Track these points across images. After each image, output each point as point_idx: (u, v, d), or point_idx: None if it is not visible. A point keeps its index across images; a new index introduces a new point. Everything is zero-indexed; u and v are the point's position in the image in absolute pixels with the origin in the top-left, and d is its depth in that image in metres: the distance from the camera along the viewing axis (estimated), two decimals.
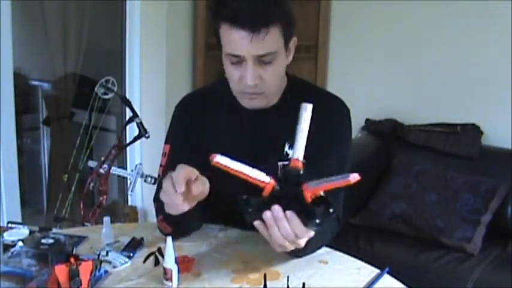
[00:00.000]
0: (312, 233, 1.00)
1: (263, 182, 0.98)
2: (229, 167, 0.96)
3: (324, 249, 1.22)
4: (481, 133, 2.65)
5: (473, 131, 2.65)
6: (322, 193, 0.96)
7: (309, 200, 0.96)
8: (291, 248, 1.03)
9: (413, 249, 2.31)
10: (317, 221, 0.96)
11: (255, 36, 1.11)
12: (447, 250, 2.27)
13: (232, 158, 0.97)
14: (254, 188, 1.03)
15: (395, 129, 2.81)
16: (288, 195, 0.98)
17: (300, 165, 0.98)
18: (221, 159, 0.95)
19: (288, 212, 0.97)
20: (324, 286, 1.09)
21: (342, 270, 1.16)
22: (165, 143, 1.34)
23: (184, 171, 1.03)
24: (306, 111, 0.99)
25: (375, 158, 2.76)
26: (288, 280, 1.03)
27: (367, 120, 2.95)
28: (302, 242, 1.03)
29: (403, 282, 1.12)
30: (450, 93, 2.79)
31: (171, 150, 1.32)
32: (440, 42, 2.77)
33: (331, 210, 0.95)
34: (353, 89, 2.91)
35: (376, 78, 3.00)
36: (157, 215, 1.29)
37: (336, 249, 1.25)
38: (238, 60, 1.16)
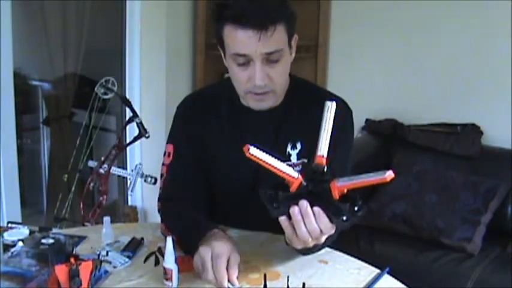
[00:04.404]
0: (333, 230, 1.00)
1: (292, 177, 0.97)
2: (261, 159, 0.95)
3: (324, 249, 1.22)
4: (481, 133, 2.65)
5: (473, 131, 2.65)
6: (345, 190, 0.96)
7: (336, 196, 0.95)
8: (312, 244, 1.02)
9: (413, 249, 2.31)
10: (344, 217, 0.96)
11: (263, 34, 1.11)
12: (447, 250, 2.27)
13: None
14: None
15: (396, 129, 2.81)
16: (315, 191, 0.97)
17: (324, 161, 0.97)
18: (255, 152, 0.94)
19: (315, 208, 0.96)
20: (324, 286, 1.09)
21: (342, 270, 1.16)
22: (167, 142, 1.34)
23: (224, 268, 1.01)
24: (330, 109, 0.99)
25: (375, 158, 2.75)
26: (288, 280, 1.02)
27: (367, 120, 2.95)
28: (323, 239, 1.03)
29: (403, 282, 1.12)
30: (450, 93, 2.79)
31: (175, 151, 1.32)
32: (440, 42, 2.77)
33: (356, 208, 0.95)
34: (353, 89, 2.90)
35: (376, 78, 3.00)
36: (162, 220, 1.29)
37: (336, 249, 1.25)
38: (245, 61, 1.16)
